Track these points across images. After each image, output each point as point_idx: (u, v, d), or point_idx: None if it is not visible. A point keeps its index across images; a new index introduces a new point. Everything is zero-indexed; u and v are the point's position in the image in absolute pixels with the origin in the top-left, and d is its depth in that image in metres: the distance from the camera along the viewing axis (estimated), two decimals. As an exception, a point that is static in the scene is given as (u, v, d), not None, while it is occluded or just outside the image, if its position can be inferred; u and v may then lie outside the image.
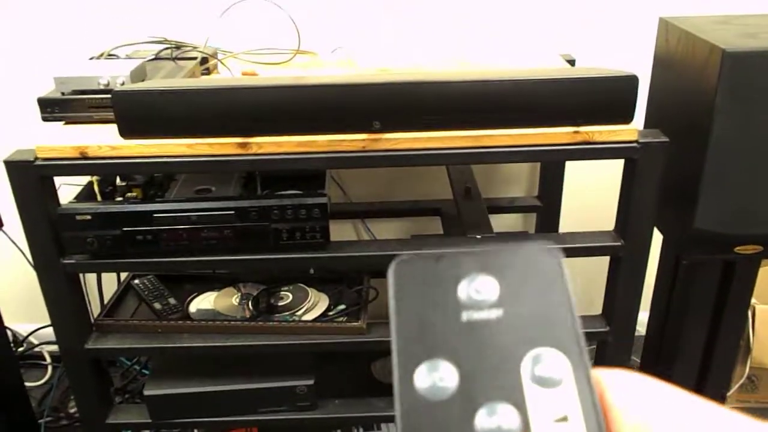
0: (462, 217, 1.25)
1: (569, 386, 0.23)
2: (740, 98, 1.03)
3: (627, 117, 1.03)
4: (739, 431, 0.21)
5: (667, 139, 1.04)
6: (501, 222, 1.75)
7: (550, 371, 0.23)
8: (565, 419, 0.22)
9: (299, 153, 1.03)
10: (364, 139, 1.03)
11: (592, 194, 1.70)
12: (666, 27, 1.20)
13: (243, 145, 1.03)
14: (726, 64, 1.01)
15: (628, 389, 0.22)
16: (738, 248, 1.15)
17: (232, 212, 1.10)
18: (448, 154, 1.03)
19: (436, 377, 0.23)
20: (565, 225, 1.69)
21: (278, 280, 1.37)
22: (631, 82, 1.01)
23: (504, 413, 0.22)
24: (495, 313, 0.24)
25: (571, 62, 1.47)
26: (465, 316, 0.24)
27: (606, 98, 1.02)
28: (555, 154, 1.04)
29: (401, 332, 0.24)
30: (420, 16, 1.54)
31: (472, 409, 0.22)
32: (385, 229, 1.78)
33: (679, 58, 1.15)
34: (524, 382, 0.23)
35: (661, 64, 1.24)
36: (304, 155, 1.03)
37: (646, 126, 1.30)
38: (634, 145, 1.04)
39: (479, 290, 0.25)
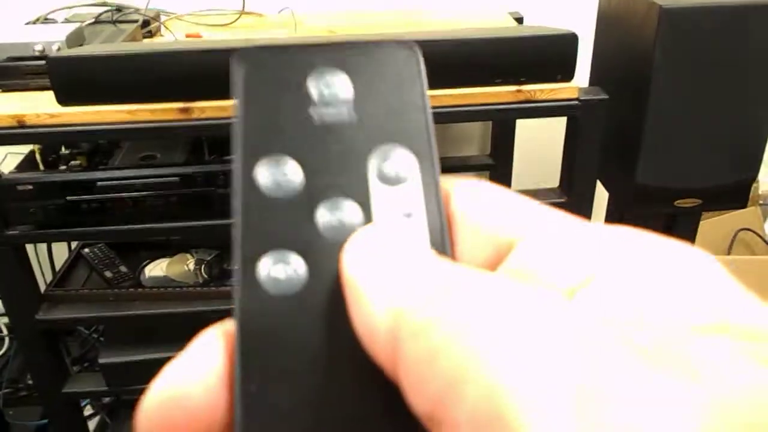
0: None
1: (415, 185, 0.22)
2: (678, 54, 1.05)
3: (568, 75, 1.04)
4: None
5: (606, 96, 1.06)
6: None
7: (396, 169, 0.22)
8: (408, 215, 0.21)
9: (242, 117, 1.02)
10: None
11: (543, 151, 1.72)
12: (608, -16, 1.21)
13: (184, 110, 1.02)
14: (663, 20, 1.02)
15: (474, 193, 0.22)
16: (678, 201, 1.19)
17: (177, 179, 1.09)
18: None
19: (278, 172, 0.22)
20: (519, 182, 1.72)
21: (232, 245, 1.37)
22: (571, 40, 1.02)
23: (347, 208, 0.21)
24: (344, 110, 0.23)
25: (519, 20, 1.47)
26: (312, 112, 0.23)
27: (547, 57, 1.03)
28: (498, 113, 1.05)
29: (245, 127, 0.22)
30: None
31: (315, 205, 0.21)
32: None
33: (620, 15, 1.17)
34: (370, 179, 0.22)
35: (603, 21, 1.25)
36: (247, 119, 1.02)
37: (591, 84, 1.31)
38: (575, 102, 1.05)
39: (329, 85, 0.23)
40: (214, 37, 1.33)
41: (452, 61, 1.02)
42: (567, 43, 1.02)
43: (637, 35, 1.09)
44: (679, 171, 1.15)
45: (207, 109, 1.02)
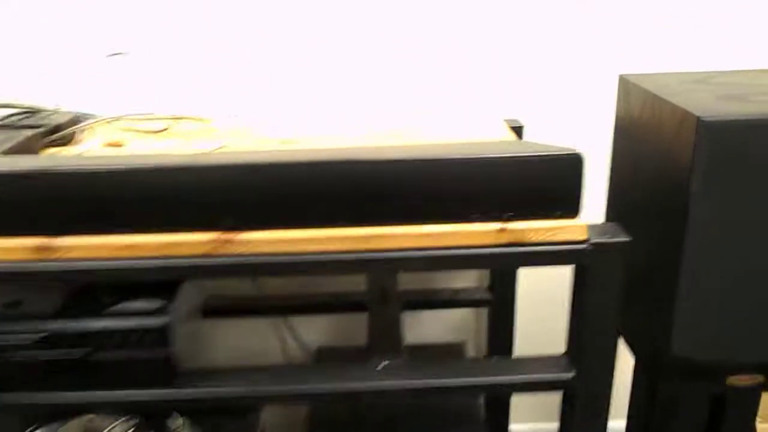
0: (371, 332, 0.96)
1: None
2: (723, 181, 0.77)
3: (571, 210, 0.76)
4: None
5: (627, 239, 0.76)
6: (444, 320, 1.46)
7: None
8: None
9: (119, 259, 0.75)
10: (210, 241, 0.75)
11: (550, 284, 1.41)
12: (627, 88, 0.94)
13: (44, 249, 0.75)
14: (703, 137, 0.74)
15: None
16: (731, 379, 0.86)
17: (41, 336, 0.80)
18: (326, 260, 0.75)
19: None
20: (523, 321, 1.41)
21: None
22: (573, 163, 0.74)
23: None
24: None
25: (518, 129, 1.21)
26: None
27: (541, 185, 0.75)
28: (473, 260, 0.76)
29: None
30: (344, 76, 1.29)
31: None
32: (310, 325, 1.48)
33: (644, 127, 0.89)
34: None
35: (623, 133, 0.98)
36: (124, 263, 0.75)
37: (608, 212, 1.03)
38: (583, 246, 0.76)
39: None
40: (142, 144, 1.08)
41: (412, 187, 0.75)
42: (569, 167, 0.74)
43: (668, 155, 0.81)
44: (731, 338, 0.84)
45: (74, 247, 0.75)
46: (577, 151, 0.74)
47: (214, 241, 0.75)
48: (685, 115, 0.77)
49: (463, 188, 0.74)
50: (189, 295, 0.90)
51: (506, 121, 1.19)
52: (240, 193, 0.74)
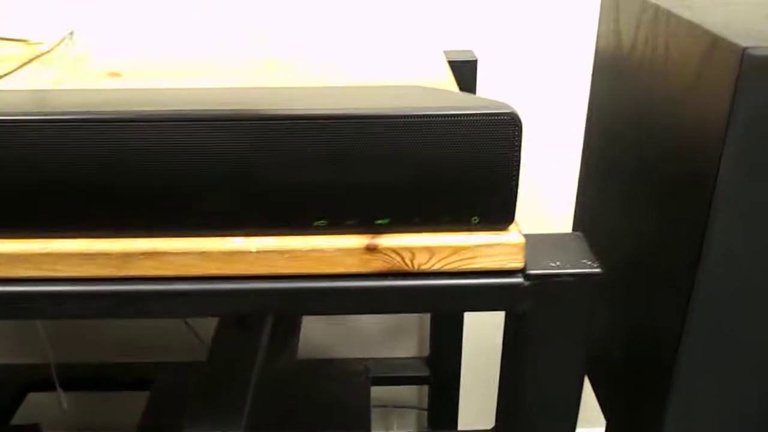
0: (210, 370, 0.63)
1: None
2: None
3: (497, 213, 0.42)
4: None
5: (597, 270, 0.42)
6: (382, 343, 1.14)
7: None
8: None
9: None
10: None
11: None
12: (617, 2, 0.59)
13: None
14: (747, 76, 0.40)
15: None
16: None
17: None
18: (39, 294, 0.42)
19: None
20: (474, 318, 1.09)
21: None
22: (505, 131, 0.39)
23: None
24: None
25: (469, 64, 0.86)
26: None
27: (448, 168, 0.41)
28: (315, 301, 0.43)
29: None
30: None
31: None
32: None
33: (640, 60, 0.54)
34: None
35: (607, 70, 0.63)
36: None
37: (581, 186, 0.69)
38: (518, 280, 0.43)
39: None
40: None
41: (214, 163, 0.41)
42: (496, 137, 0.40)
43: (680, 107, 0.47)
44: (751, 425, 0.52)
45: None
46: (510, 110, 0.39)
47: None
48: (716, 42, 0.42)
49: (301, 169, 0.40)
50: None
51: (452, 53, 0.84)
52: None
